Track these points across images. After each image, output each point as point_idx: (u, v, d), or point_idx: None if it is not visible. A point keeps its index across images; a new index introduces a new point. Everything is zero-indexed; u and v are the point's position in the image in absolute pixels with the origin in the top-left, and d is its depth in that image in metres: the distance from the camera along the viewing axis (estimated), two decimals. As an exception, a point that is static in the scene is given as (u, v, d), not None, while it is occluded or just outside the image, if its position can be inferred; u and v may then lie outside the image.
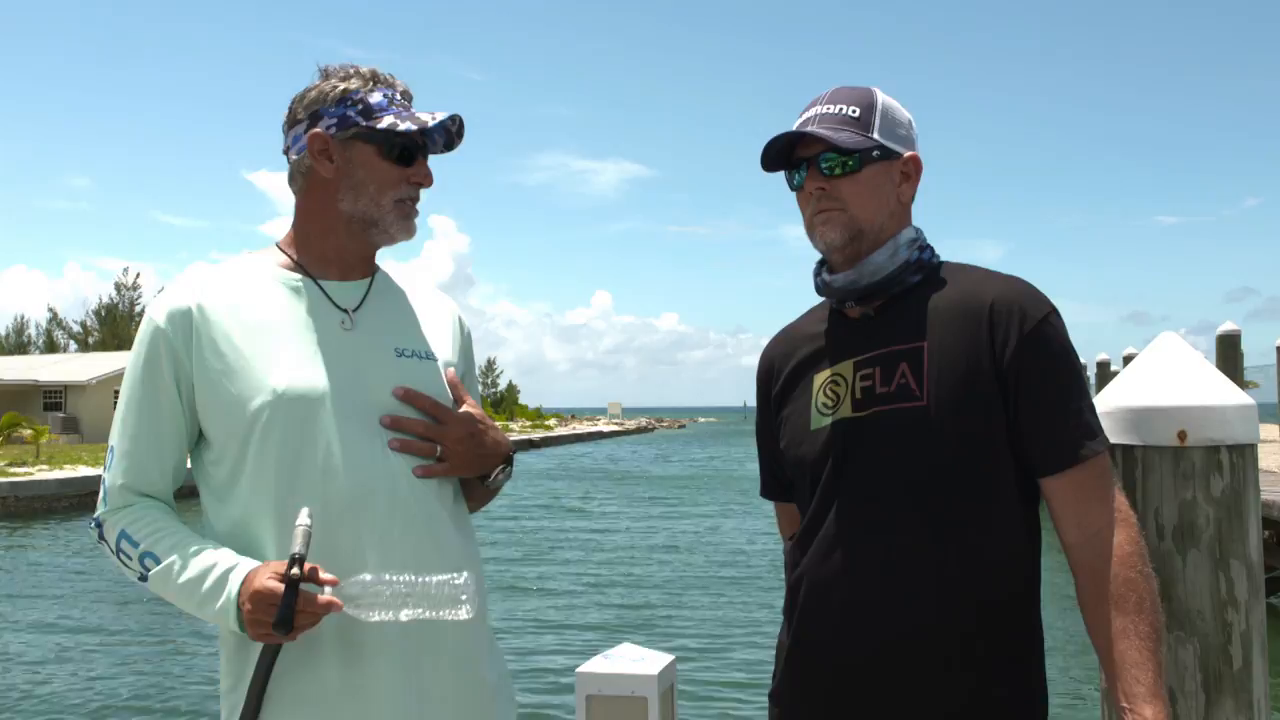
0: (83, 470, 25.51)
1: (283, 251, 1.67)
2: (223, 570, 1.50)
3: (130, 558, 1.57)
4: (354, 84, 1.60)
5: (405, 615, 1.44)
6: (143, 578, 1.57)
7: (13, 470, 25.12)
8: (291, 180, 1.65)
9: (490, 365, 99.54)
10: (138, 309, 73.65)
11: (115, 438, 1.64)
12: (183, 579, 1.52)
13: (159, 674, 9.34)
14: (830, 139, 1.59)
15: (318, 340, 1.58)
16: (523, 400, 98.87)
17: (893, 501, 1.53)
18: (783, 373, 1.72)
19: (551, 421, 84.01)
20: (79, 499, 23.55)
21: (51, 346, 73.13)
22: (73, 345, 72.25)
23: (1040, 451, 1.51)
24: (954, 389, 1.51)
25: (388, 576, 1.45)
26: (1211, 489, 1.90)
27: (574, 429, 75.74)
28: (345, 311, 1.62)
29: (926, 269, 1.63)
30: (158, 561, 1.54)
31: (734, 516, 22.22)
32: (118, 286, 74.29)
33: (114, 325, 70.11)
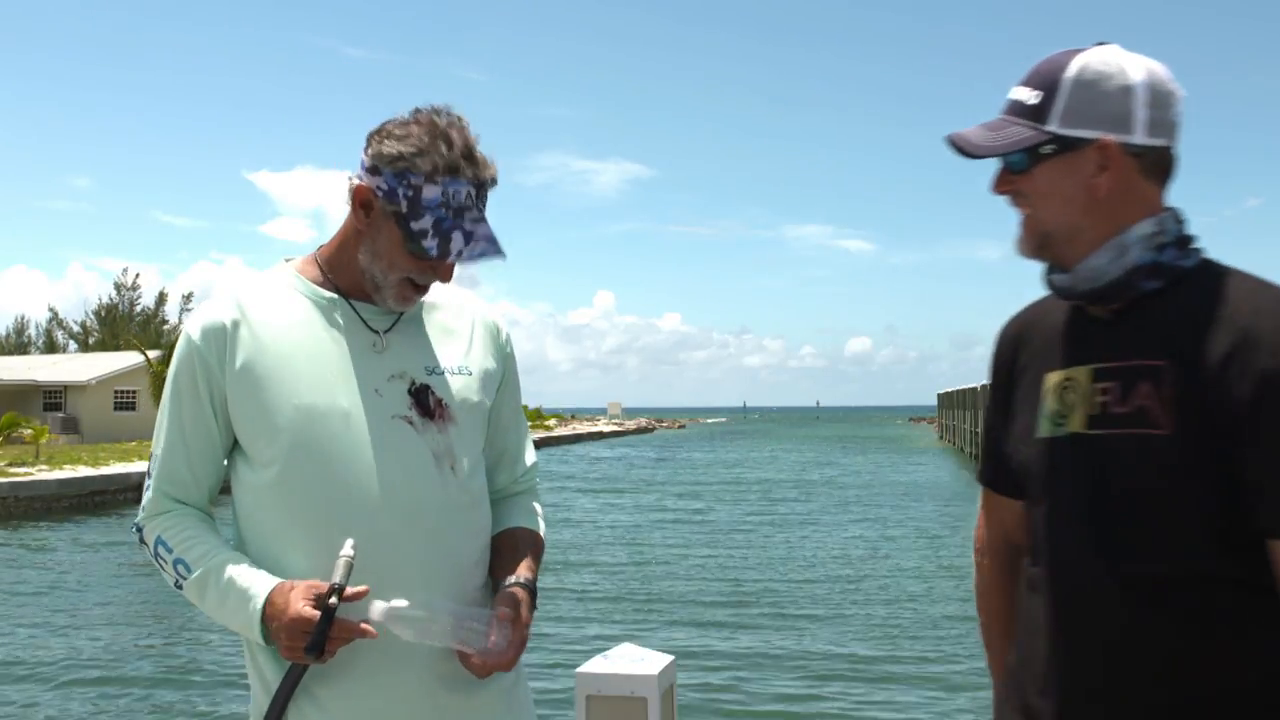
0: (83, 470, 25.51)
1: (320, 266, 1.66)
2: (248, 587, 1.53)
3: (166, 562, 1.62)
4: (421, 163, 1.52)
5: (434, 644, 1.53)
6: (178, 584, 1.62)
7: (13, 470, 25.13)
8: (348, 200, 1.62)
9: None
10: (138, 309, 73.74)
11: (155, 446, 1.66)
12: (211, 591, 1.57)
13: (161, 673, 9.34)
14: (971, 145, 1.42)
15: (351, 360, 1.59)
16: (523, 400, 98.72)
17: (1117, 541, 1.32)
18: (1017, 359, 1.52)
19: (551, 422, 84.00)
20: (79, 499, 23.56)
21: (51, 347, 73.21)
22: (73, 345, 72.31)
23: (1273, 511, 1.25)
24: (1200, 421, 1.27)
25: (420, 611, 1.50)
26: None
27: (574, 429, 75.78)
28: (377, 333, 1.63)
29: (1171, 273, 1.37)
30: (190, 570, 1.59)
31: (733, 517, 22.25)
32: (117, 287, 74.39)
33: (114, 325, 70.18)
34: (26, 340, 76.63)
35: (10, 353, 68.24)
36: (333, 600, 1.44)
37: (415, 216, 1.53)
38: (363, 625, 1.47)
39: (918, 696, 8.53)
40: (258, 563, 1.57)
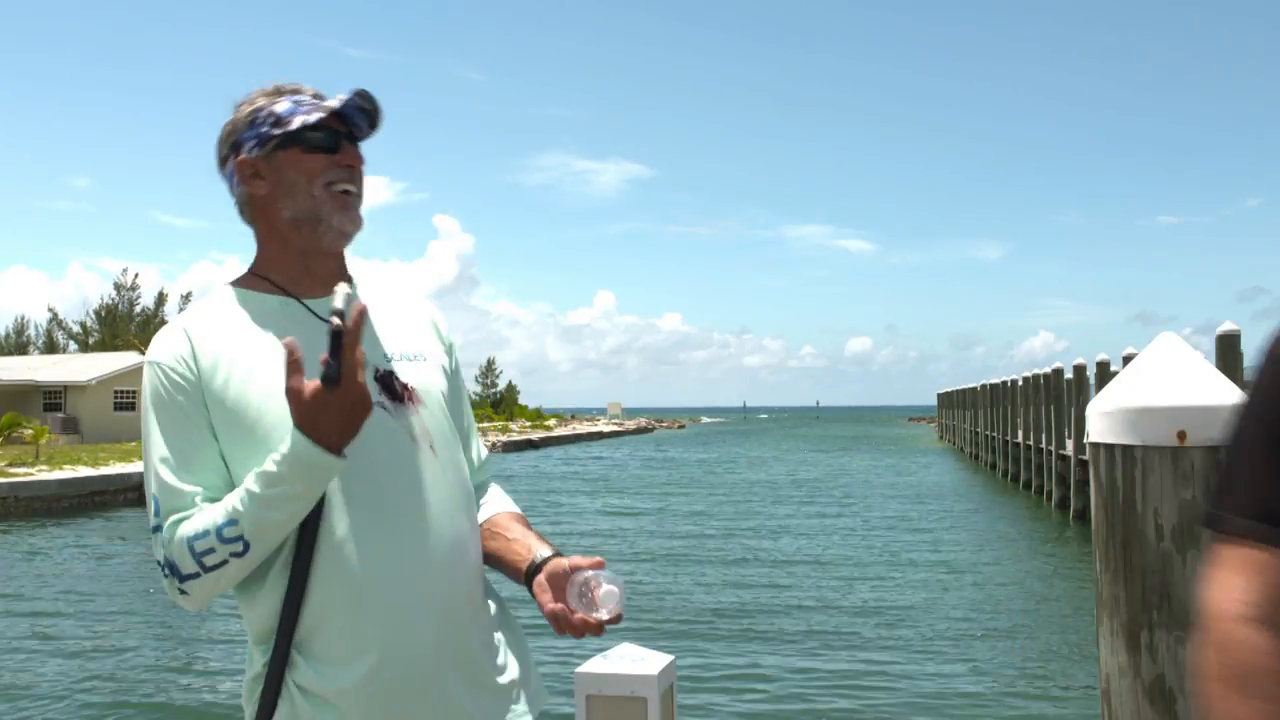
0: (83, 471, 25.50)
1: (259, 277, 1.67)
2: (274, 456, 1.45)
3: (213, 550, 1.46)
4: (260, 102, 1.62)
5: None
6: (245, 546, 1.46)
7: (13, 470, 25.12)
8: (241, 214, 1.67)
9: (490, 365, 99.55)
10: (137, 309, 73.66)
11: (148, 484, 1.56)
12: (261, 502, 1.44)
13: (162, 672, 9.34)
14: None
15: (314, 356, 1.56)
16: (523, 400, 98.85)
17: None
18: None
19: (551, 422, 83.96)
20: (79, 499, 23.55)
21: (51, 347, 73.14)
22: (73, 345, 72.26)
23: None
24: None
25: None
26: (1211, 489, 1.90)
27: (574, 429, 75.72)
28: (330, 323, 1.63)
29: None
30: (233, 521, 1.45)
31: (733, 517, 22.23)
32: (117, 287, 74.30)
33: (114, 326, 70.10)
34: (26, 340, 76.57)
35: (10, 353, 68.20)
36: (335, 321, 1.39)
37: (286, 124, 1.59)
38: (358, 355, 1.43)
39: (919, 697, 8.52)
40: (265, 564, 1.54)
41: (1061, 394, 24.28)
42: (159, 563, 1.52)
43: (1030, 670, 9.38)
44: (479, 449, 1.84)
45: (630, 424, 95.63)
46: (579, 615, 1.56)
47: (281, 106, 1.60)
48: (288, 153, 1.60)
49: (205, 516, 1.48)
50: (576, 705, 2.83)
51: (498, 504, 1.83)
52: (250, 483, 1.46)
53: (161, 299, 74.51)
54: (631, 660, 2.92)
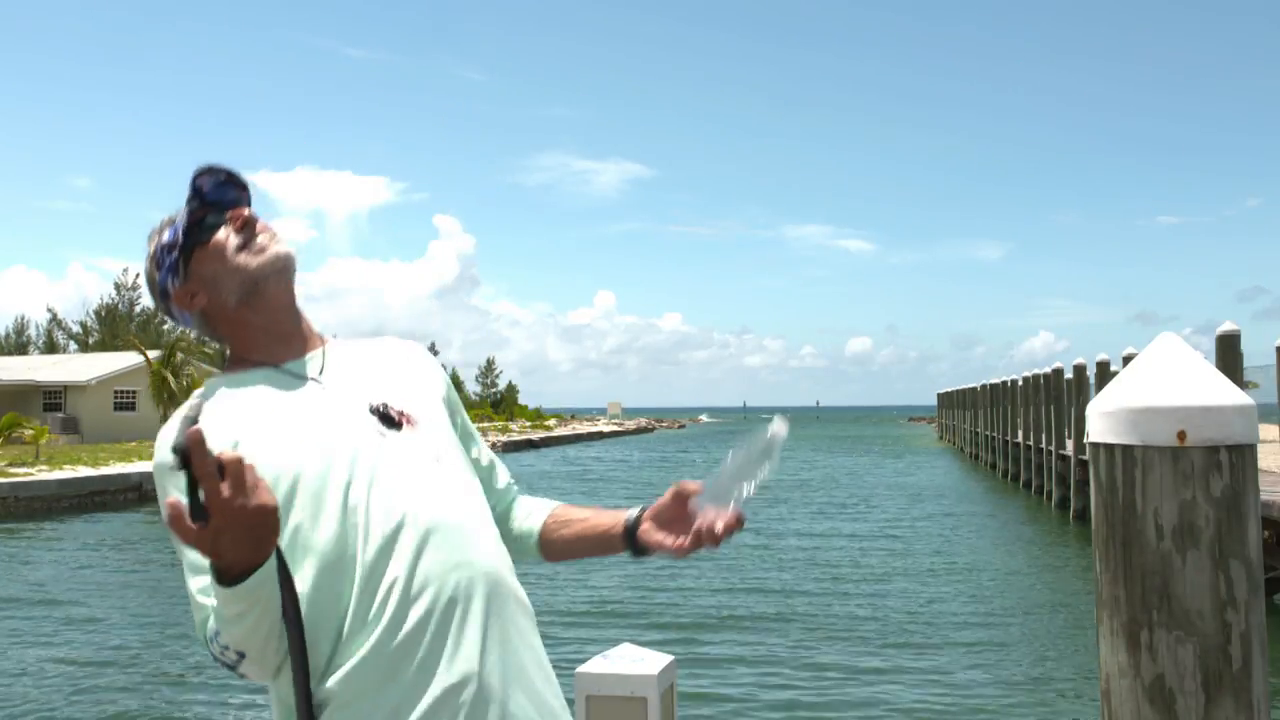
0: (83, 470, 25.52)
1: (228, 362, 1.71)
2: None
3: (226, 649, 1.45)
4: (153, 245, 1.68)
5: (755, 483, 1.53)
6: (238, 655, 1.44)
7: (13, 470, 25.13)
8: (207, 336, 1.72)
9: (490, 365, 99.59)
10: (138, 309, 73.70)
11: (191, 576, 1.53)
12: (220, 610, 1.41)
13: (163, 672, 9.34)
14: None
15: (305, 410, 1.60)
16: (523, 400, 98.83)
17: None
18: None
19: (551, 422, 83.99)
20: (79, 499, 23.56)
21: (51, 347, 73.17)
22: (73, 345, 72.27)
23: None
24: None
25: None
26: (1211, 489, 1.90)
27: (574, 429, 75.74)
28: (313, 379, 1.66)
29: None
30: (218, 630, 1.44)
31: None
32: (117, 287, 74.39)
33: (114, 326, 70.15)
34: (26, 340, 76.58)
35: (10, 353, 68.21)
36: (175, 459, 1.27)
37: (178, 240, 1.65)
38: (233, 454, 1.30)
39: (919, 696, 8.53)
40: (314, 609, 1.49)
41: (1061, 394, 24.29)
42: (211, 649, 1.50)
43: (1030, 670, 9.39)
44: (500, 468, 1.85)
45: (630, 424, 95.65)
46: (715, 518, 1.54)
47: (166, 235, 1.66)
48: (196, 259, 1.64)
49: (213, 620, 1.48)
50: (576, 705, 2.84)
51: (545, 503, 1.84)
52: (210, 600, 1.47)
53: (162, 299, 74.45)
54: (631, 660, 2.92)
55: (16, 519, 21.61)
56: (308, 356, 1.68)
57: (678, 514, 1.62)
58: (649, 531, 1.64)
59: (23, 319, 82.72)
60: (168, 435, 1.57)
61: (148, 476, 26.11)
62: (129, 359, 44.51)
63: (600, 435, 73.34)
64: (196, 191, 1.65)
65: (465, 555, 1.56)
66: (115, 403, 44.05)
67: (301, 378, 1.65)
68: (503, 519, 1.82)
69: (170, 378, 35.08)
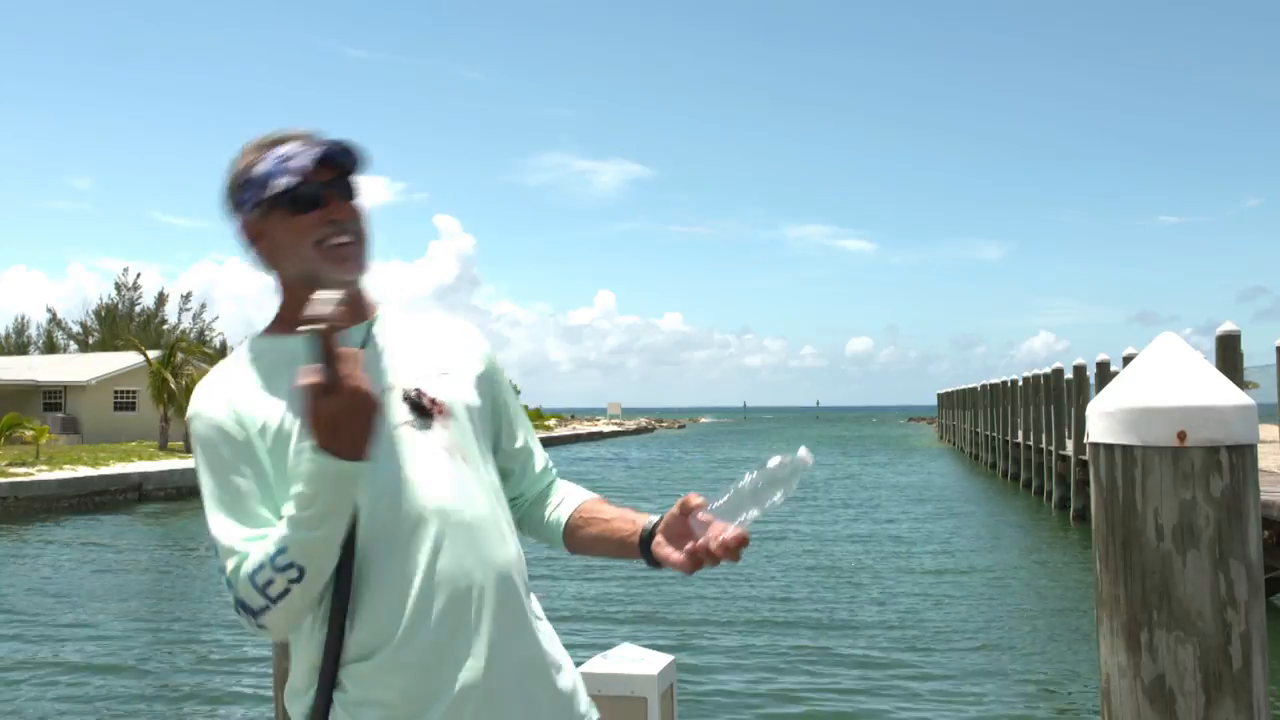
0: (83, 470, 25.52)
1: (277, 324, 1.69)
2: (298, 480, 1.45)
3: (272, 581, 1.45)
4: (247, 160, 1.62)
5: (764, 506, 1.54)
6: (300, 574, 1.44)
7: (13, 470, 25.13)
8: (251, 262, 1.69)
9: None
10: (138, 309, 73.71)
11: (213, 532, 1.55)
12: (298, 513, 1.43)
13: (164, 670, 9.34)
14: None
15: None
16: (524, 401, 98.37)
17: None
18: None
19: (551, 422, 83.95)
20: (79, 499, 23.56)
21: (51, 347, 73.15)
22: (73, 345, 72.27)
23: None
24: None
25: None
26: (1211, 489, 1.90)
27: (574, 429, 75.75)
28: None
29: None
30: (283, 547, 1.44)
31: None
32: (118, 287, 74.37)
33: (114, 326, 70.12)
34: (26, 340, 76.57)
35: (10, 353, 68.19)
36: (313, 327, 1.36)
37: (268, 187, 1.58)
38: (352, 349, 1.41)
39: (919, 695, 8.53)
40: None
41: (1061, 394, 24.29)
42: (234, 606, 1.51)
43: (1030, 669, 9.39)
44: (537, 452, 1.84)
45: (630, 424, 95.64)
46: (719, 534, 1.55)
47: (261, 168, 1.59)
48: (276, 215, 1.60)
49: (259, 551, 1.48)
50: (576, 705, 2.83)
51: (578, 493, 1.83)
52: (287, 508, 1.46)
53: (162, 299, 74.59)
54: (631, 660, 2.92)
55: (16, 519, 21.61)
56: (352, 330, 1.65)
57: (683, 529, 1.62)
58: (660, 545, 1.65)
59: (23, 319, 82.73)
60: (210, 387, 1.60)
61: (148, 476, 26.13)
62: (129, 359, 44.50)
63: (600, 435, 73.32)
64: (321, 156, 1.57)
65: (480, 555, 1.57)
66: (115, 403, 44.04)
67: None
68: (538, 502, 1.82)
69: (170, 378, 35.07)
